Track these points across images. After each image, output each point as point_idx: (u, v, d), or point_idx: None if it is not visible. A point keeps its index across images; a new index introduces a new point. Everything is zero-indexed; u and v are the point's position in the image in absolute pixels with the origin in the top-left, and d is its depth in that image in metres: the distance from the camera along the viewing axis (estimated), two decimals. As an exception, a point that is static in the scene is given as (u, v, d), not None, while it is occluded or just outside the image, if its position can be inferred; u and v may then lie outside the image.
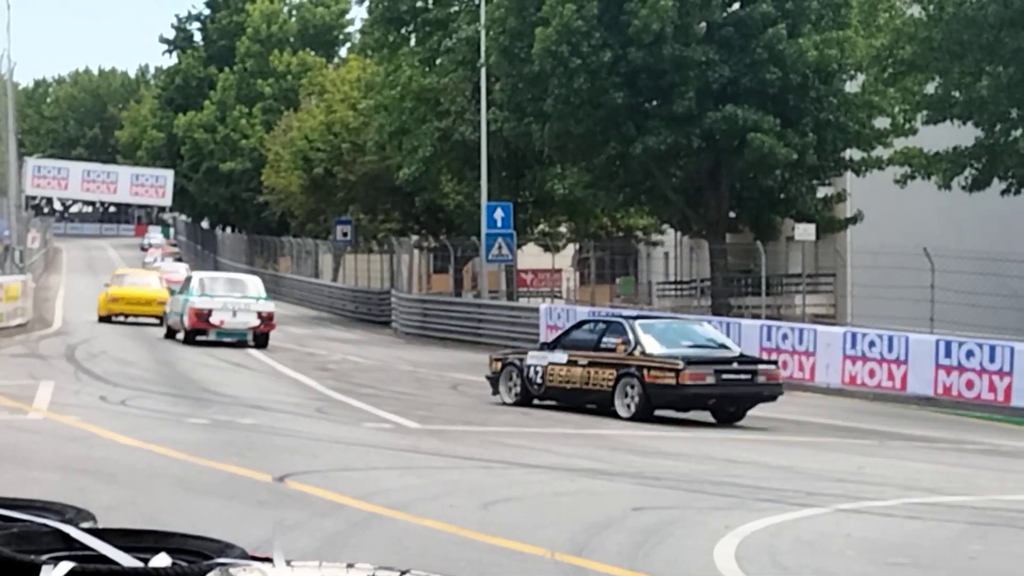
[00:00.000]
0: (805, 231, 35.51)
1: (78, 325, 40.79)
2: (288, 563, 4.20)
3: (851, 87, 34.77)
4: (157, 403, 21.21)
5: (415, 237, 56.30)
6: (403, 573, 4.16)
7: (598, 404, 22.09)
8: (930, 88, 31.40)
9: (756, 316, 34.40)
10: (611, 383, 21.77)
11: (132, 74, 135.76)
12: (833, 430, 22.25)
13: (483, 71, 39.41)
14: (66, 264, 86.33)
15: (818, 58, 32.83)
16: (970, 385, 25.63)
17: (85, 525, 4.61)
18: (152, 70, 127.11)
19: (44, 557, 4.16)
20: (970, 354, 25.73)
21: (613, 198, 38.50)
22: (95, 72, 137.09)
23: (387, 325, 48.69)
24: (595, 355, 22.24)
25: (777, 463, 17.08)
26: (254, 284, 36.17)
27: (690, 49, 33.03)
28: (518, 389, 23.34)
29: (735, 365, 22.00)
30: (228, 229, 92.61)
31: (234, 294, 34.79)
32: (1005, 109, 30.16)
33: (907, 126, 33.39)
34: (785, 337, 29.72)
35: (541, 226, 49.13)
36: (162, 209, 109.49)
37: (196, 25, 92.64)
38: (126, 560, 4.22)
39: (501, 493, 13.30)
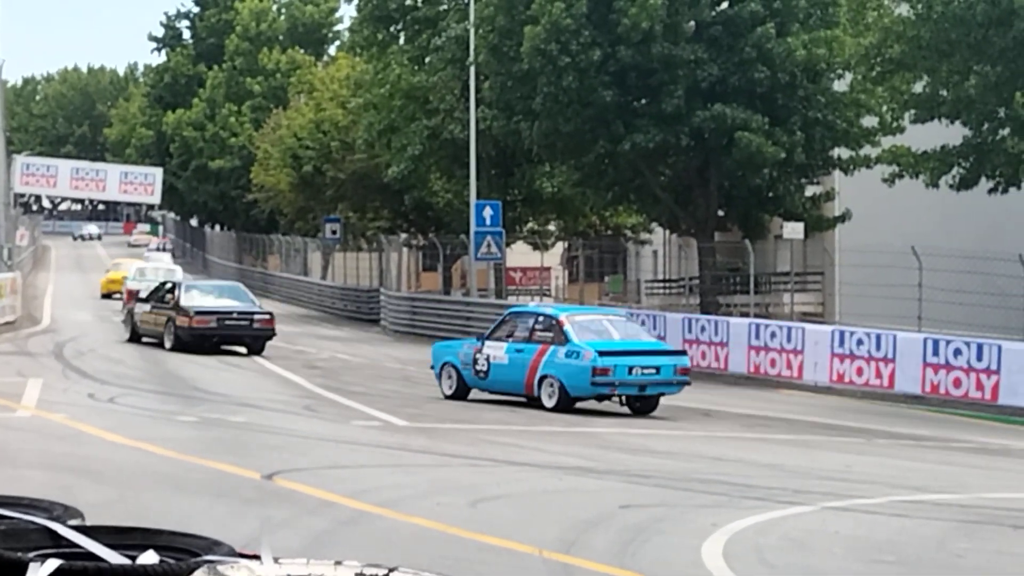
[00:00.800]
0: (793, 229, 35.52)
1: (67, 323, 40.73)
2: (276, 560, 4.21)
3: (839, 86, 34.76)
4: (145, 401, 21.19)
5: (404, 235, 56.22)
6: (390, 571, 4.17)
7: (159, 338, 31.51)
8: (918, 87, 31.38)
9: (744, 314, 34.42)
10: (163, 325, 31.56)
11: (121, 72, 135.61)
12: (821, 428, 22.28)
13: (472, 69, 39.39)
14: (54, 262, 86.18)
15: (806, 57, 32.84)
16: (957, 383, 25.66)
17: (73, 522, 4.61)
18: (141, 68, 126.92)
19: (31, 554, 4.16)
20: (958, 352, 25.76)
21: (602, 196, 38.46)
22: (84, 70, 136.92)
23: (376, 323, 48.66)
24: (161, 307, 32.05)
25: (765, 461, 17.10)
26: (179, 273, 48.76)
27: (679, 48, 33.03)
28: (129, 330, 33.52)
29: (235, 315, 31.39)
30: (217, 227, 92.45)
31: (159, 279, 43.95)
32: (993, 108, 30.14)
33: (895, 125, 33.36)
34: (773, 335, 29.76)
35: (530, 224, 49.09)
36: (151, 207, 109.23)
37: (185, 23, 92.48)
38: (114, 557, 4.23)
39: (489, 491, 13.30)
